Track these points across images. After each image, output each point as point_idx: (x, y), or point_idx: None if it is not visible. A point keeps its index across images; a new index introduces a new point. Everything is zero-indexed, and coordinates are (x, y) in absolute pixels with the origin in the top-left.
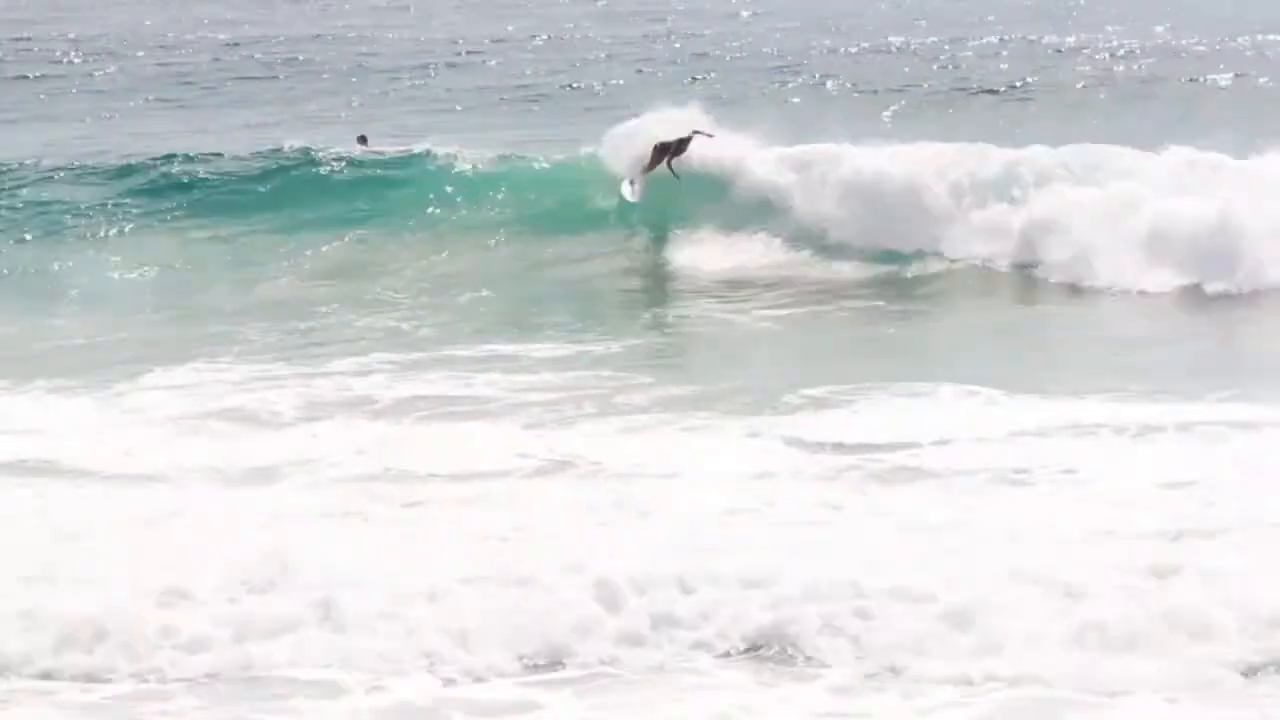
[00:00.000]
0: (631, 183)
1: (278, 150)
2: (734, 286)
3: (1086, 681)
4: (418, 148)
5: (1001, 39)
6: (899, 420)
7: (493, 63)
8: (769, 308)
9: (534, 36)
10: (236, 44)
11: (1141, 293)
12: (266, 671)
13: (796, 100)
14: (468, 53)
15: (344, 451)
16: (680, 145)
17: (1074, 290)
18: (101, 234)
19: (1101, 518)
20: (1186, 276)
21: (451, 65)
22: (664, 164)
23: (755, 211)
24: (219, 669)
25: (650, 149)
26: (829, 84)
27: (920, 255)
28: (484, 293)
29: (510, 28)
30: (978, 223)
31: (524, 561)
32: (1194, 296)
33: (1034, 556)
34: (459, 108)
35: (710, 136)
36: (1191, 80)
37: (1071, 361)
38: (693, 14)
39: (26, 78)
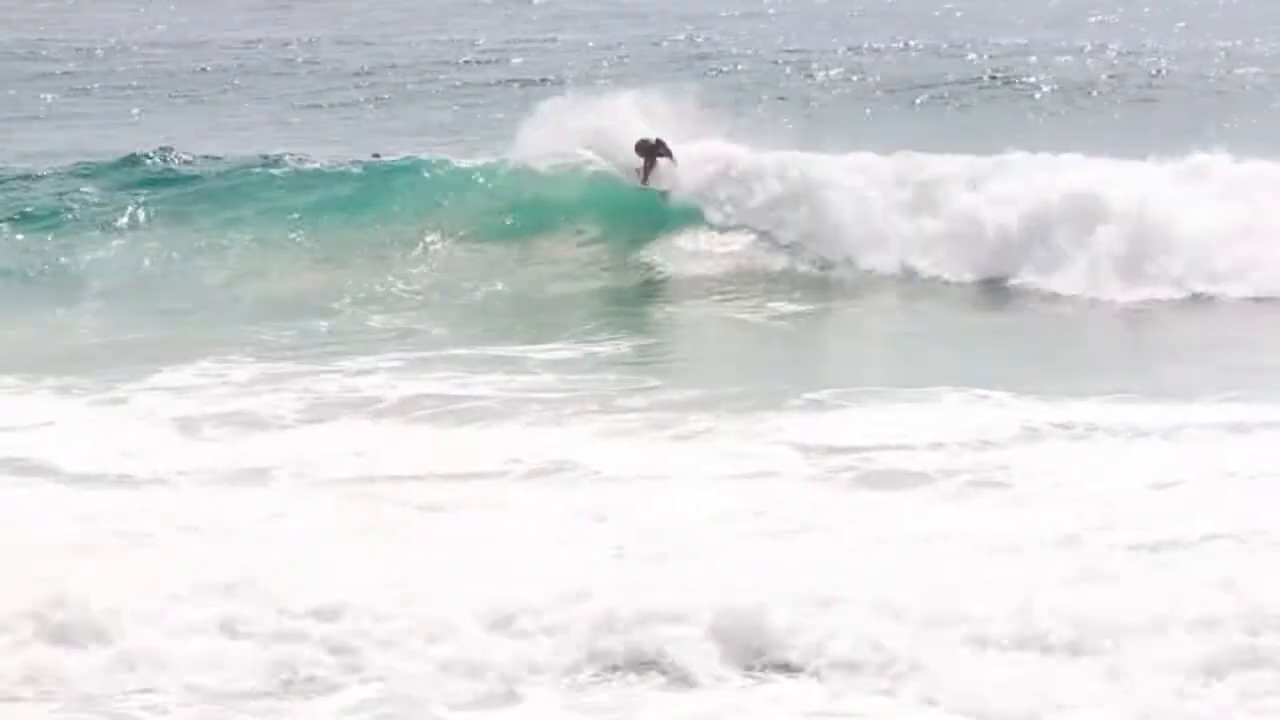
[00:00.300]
0: (643, 181)
1: (295, 151)
2: (740, 287)
3: (1054, 692)
4: (429, 152)
5: (1031, 41)
6: (895, 424)
7: (516, 61)
8: (776, 305)
9: (554, 37)
10: (259, 42)
11: (1123, 300)
12: (248, 674)
13: (813, 98)
14: (488, 51)
15: (341, 454)
16: (657, 148)
17: (1056, 298)
18: (118, 232)
19: (1087, 523)
20: (1164, 283)
21: (471, 63)
22: (654, 164)
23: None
24: (203, 670)
25: (636, 154)
26: (854, 78)
27: (901, 266)
28: (495, 292)
29: (530, 28)
30: (960, 232)
31: (509, 565)
32: (1183, 303)
33: (1015, 563)
34: (480, 102)
35: (674, 162)
36: (1221, 79)
37: (1067, 365)
38: (713, 14)
39: (48, 75)
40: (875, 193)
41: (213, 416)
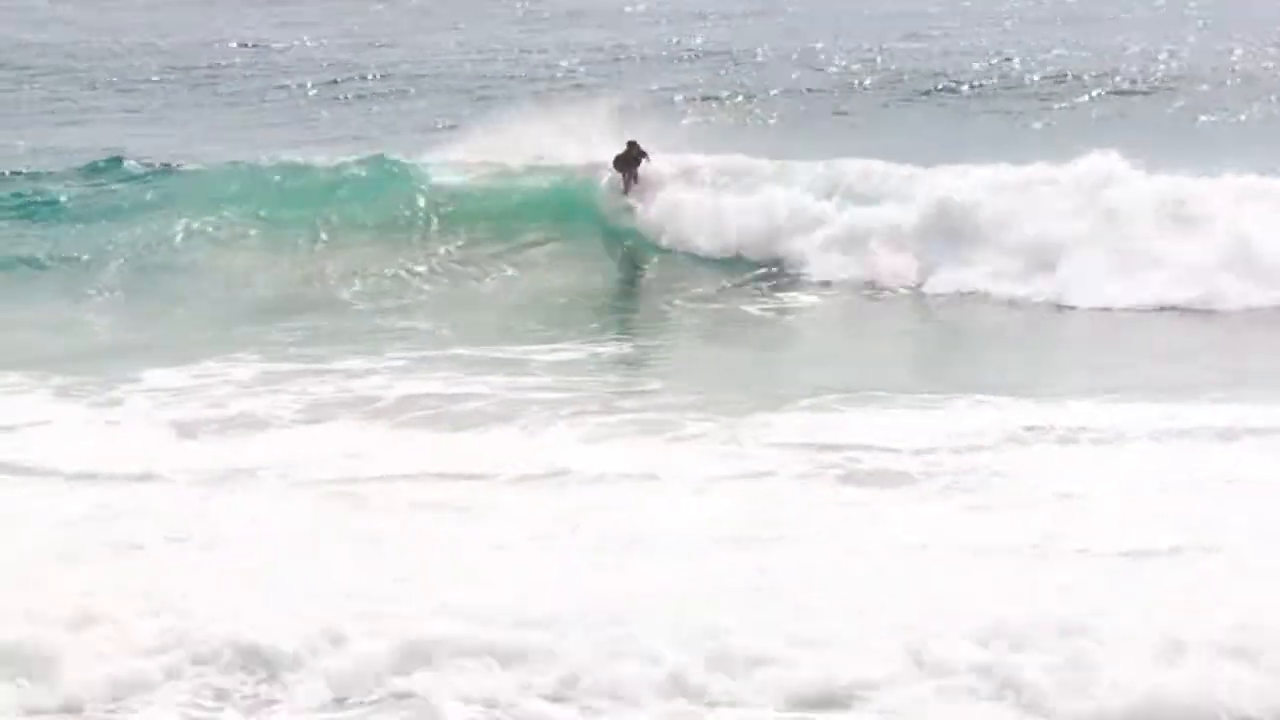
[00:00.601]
0: (625, 193)
1: (298, 149)
2: (741, 290)
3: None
4: (440, 150)
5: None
6: (887, 427)
7: (529, 59)
8: (765, 308)
9: (564, 36)
10: (267, 49)
11: (1113, 306)
12: (221, 674)
13: (821, 97)
14: (497, 50)
15: (333, 455)
16: (633, 158)
17: (1034, 306)
18: (127, 227)
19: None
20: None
21: (480, 61)
22: (633, 175)
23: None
24: (178, 669)
25: (615, 170)
26: (866, 77)
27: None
28: (496, 292)
29: (529, 32)
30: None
31: (486, 569)
32: (1175, 312)
33: (989, 572)
34: (490, 101)
35: (648, 160)
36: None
37: (1051, 369)
38: (728, 14)
39: (62, 70)
40: (845, 201)
41: (212, 419)
